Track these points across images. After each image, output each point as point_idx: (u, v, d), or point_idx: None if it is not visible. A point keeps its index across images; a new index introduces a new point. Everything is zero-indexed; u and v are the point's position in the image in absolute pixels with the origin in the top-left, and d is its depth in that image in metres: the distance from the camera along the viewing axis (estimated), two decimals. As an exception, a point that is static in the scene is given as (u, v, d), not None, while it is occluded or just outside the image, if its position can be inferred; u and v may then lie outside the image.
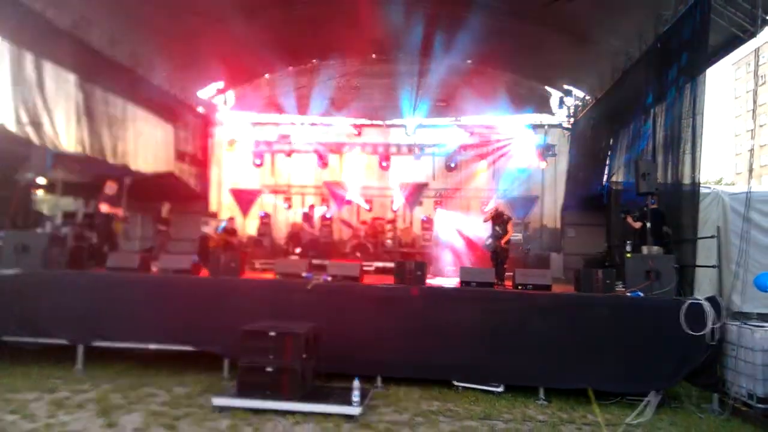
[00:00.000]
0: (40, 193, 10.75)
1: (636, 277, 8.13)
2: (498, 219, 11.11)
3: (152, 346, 7.96)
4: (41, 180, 9.38)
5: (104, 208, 10.30)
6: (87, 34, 12.08)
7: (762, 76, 46.85)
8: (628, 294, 8.01)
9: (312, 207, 16.82)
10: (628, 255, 8.92)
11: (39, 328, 7.94)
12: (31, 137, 10.28)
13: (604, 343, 7.55)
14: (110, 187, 10.46)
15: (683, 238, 8.70)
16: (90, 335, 7.94)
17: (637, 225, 9.47)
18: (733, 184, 42.18)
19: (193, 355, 8.03)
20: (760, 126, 47.18)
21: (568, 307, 7.88)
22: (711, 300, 7.49)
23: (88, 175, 10.80)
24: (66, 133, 11.39)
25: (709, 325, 7.26)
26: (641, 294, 7.92)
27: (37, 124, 10.60)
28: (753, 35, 9.58)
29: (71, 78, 11.70)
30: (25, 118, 10.34)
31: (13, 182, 9.50)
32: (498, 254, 10.87)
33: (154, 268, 9.21)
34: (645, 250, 8.62)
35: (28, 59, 10.59)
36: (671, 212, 9.12)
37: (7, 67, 10.07)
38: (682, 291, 8.16)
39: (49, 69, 11.06)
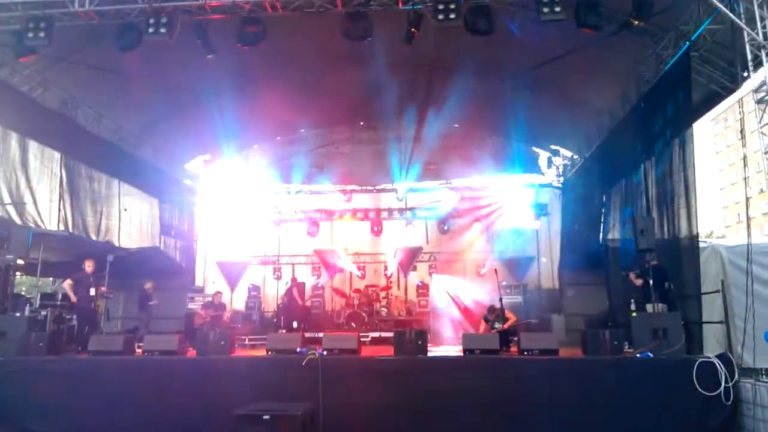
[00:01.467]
0: (18, 274, 10.33)
1: (643, 337, 7.87)
2: (492, 315, 10.61)
3: (137, 437, 7.34)
4: (21, 261, 9.00)
5: (67, 284, 9.93)
6: (73, 112, 12.10)
7: (740, 131, 48.45)
8: (637, 355, 7.70)
9: (294, 279, 16.34)
10: (634, 314, 8.64)
11: (15, 420, 7.37)
12: (12, 217, 10.02)
13: (616, 408, 7.18)
14: (88, 266, 10.12)
15: (687, 294, 8.50)
16: (69, 427, 7.34)
17: (639, 282, 9.26)
18: (724, 237, 42.58)
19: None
20: (744, 179, 48.30)
21: (576, 372, 7.56)
22: (722, 357, 7.24)
23: (70, 254, 10.44)
24: (49, 211, 11.16)
25: (723, 384, 6.97)
26: (650, 354, 7.63)
27: (19, 204, 10.38)
28: (732, 91, 9.86)
29: (56, 156, 11.61)
30: (7, 198, 10.12)
31: (-9, 265, 9.13)
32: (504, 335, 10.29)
33: (139, 350, 8.70)
34: (650, 308, 8.40)
35: (14, 138, 10.57)
36: (672, 268, 8.96)
37: (-9, 147, 9.95)
38: (691, 349, 7.88)
39: (34, 147, 11.02)
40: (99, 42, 10.32)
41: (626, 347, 8.26)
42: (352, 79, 13.98)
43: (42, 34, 8.43)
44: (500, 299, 10.77)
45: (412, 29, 8.99)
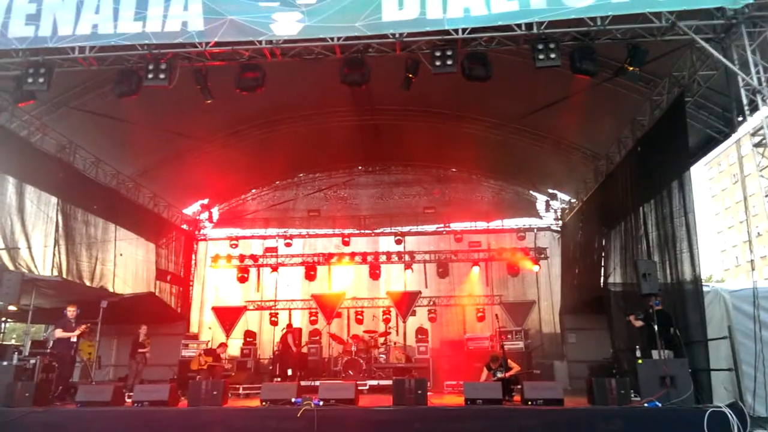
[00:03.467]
0: (8, 321, 10.10)
1: (650, 385, 7.63)
2: (495, 364, 10.26)
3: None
4: (12, 307, 8.80)
5: (58, 333, 9.70)
6: (71, 157, 12.15)
7: (734, 175, 49.13)
8: (645, 405, 7.43)
9: (290, 325, 16.02)
10: (640, 361, 8.38)
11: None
12: (5, 262, 9.88)
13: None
14: (71, 311, 9.92)
15: (693, 340, 8.29)
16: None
17: (639, 324, 9.06)
18: (724, 281, 42.32)
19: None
20: (740, 222, 48.54)
21: (583, 423, 7.26)
22: (733, 407, 6.99)
23: (63, 300, 10.24)
24: (43, 256, 11.02)
25: (736, 435, 6.64)
26: (659, 404, 7.35)
27: (13, 249, 10.25)
28: (727, 136, 9.95)
29: (53, 200, 11.58)
30: (1, 244, 10.00)
31: (-19, 311, 8.93)
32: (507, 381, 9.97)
33: (128, 401, 8.38)
34: (656, 354, 8.17)
35: (11, 183, 10.55)
36: (676, 312, 8.79)
37: (-13, 192, 9.91)
38: (700, 398, 7.65)
39: (30, 192, 10.98)
40: (98, 88, 10.53)
41: (633, 396, 7.99)
42: (350, 124, 14.16)
43: (41, 80, 8.48)
44: (502, 346, 10.48)
45: (410, 75, 9.10)
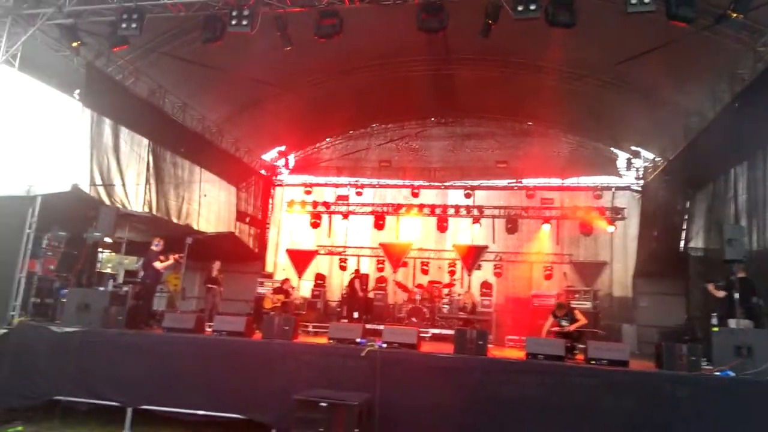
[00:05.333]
0: (105, 252, 11.07)
1: (724, 354, 7.29)
2: (561, 312, 10.11)
3: (201, 412, 7.68)
4: (108, 239, 9.65)
5: (157, 265, 10.43)
6: (161, 101, 12.84)
7: None
8: (717, 374, 7.14)
9: (357, 271, 16.52)
10: (715, 329, 8.02)
11: (93, 388, 7.88)
12: (102, 198, 10.76)
13: (688, 429, 6.69)
14: (155, 243, 10.58)
15: (776, 311, 7.83)
16: (140, 398, 7.78)
17: (720, 294, 8.62)
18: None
19: (241, 423, 7.69)
20: None
21: (648, 386, 7.06)
22: (814, 382, 6.56)
23: (152, 234, 11.09)
24: (135, 193, 11.90)
25: (813, 411, 6.31)
26: (732, 374, 7.06)
27: (109, 186, 11.13)
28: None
29: (144, 142, 12.36)
30: (99, 180, 10.87)
31: (82, 241, 9.84)
32: (569, 337, 9.79)
33: (208, 330, 9.12)
34: (733, 323, 7.79)
35: (107, 124, 11.29)
36: (761, 281, 8.25)
37: (87, 132, 10.71)
38: (778, 371, 7.22)
39: (125, 133, 11.76)
40: (186, 34, 10.93)
41: (704, 364, 7.71)
42: (425, 75, 13.93)
43: (134, 25, 8.96)
44: (567, 298, 10.33)
45: (490, 22, 8.78)
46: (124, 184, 11.60)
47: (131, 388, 7.82)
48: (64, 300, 9.06)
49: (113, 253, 14.31)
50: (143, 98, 12.29)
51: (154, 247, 10.51)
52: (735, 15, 7.86)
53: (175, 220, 13.22)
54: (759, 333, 7.46)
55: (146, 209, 12.15)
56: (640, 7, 7.52)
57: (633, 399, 6.93)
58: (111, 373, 7.92)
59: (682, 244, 12.34)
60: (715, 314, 8.75)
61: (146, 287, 10.51)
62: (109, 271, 12.76)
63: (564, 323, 9.84)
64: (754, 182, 8.90)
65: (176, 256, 10.63)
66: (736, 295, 7.93)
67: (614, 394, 6.99)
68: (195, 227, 13.83)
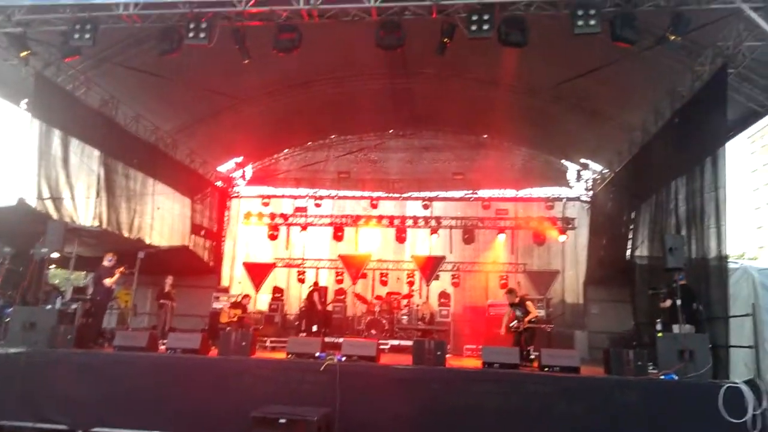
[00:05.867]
0: (52, 268, 10.66)
1: (668, 359, 7.66)
2: (512, 298, 10.65)
3: (155, 434, 7.49)
4: (56, 255, 9.31)
5: (107, 282, 10.12)
6: (113, 111, 12.52)
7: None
8: (662, 377, 7.50)
9: (316, 283, 16.44)
10: (660, 334, 8.44)
11: (39, 411, 7.53)
12: (50, 212, 10.37)
13: (638, 430, 6.99)
14: (108, 259, 10.30)
15: (715, 316, 8.28)
16: (90, 420, 7.47)
17: (667, 304, 9.04)
18: (756, 258, 41.11)
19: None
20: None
21: (598, 391, 7.37)
22: (750, 383, 7.00)
23: (103, 249, 10.76)
24: (85, 207, 11.52)
25: (750, 411, 6.74)
26: (675, 377, 7.43)
27: (57, 199, 10.74)
28: (771, 110, 9.60)
29: (95, 153, 12.00)
30: (46, 193, 10.48)
31: (28, 257, 9.46)
32: (522, 335, 10.34)
33: (162, 347, 8.90)
34: (676, 329, 8.19)
35: (56, 135, 10.90)
36: (700, 288, 8.75)
37: (35, 143, 10.34)
38: (718, 374, 7.67)
39: (74, 144, 11.39)
40: (140, 45, 10.70)
41: (651, 368, 8.09)
42: (383, 88, 14.11)
43: (87, 36, 8.73)
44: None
45: (445, 40, 9.01)
46: (73, 198, 11.20)
47: (80, 410, 7.53)
48: (8, 319, 8.68)
49: (60, 269, 13.77)
50: (95, 109, 11.94)
51: (106, 263, 10.20)
52: (673, 37, 8.34)
53: (126, 234, 12.83)
54: (699, 338, 7.86)
55: (96, 223, 11.76)
56: (586, 28, 7.91)
57: (584, 404, 7.20)
58: (58, 394, 7.61)
59: (628, 252, 12.88)
60: (659, 320, 9.20)
61: (97, 304, 10.17)
62: (57, 283, 12.22)
63: (519, 314, 10.25)
64: (693, 194, 9.38)
65: (121, 269, 10.33)
66: (678, 302, 8.38)
67: (566, 399, 7.24)
68: (147, 241, 13.46)
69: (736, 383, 6.99)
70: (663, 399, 7.13)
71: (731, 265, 8.56)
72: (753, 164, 53.95)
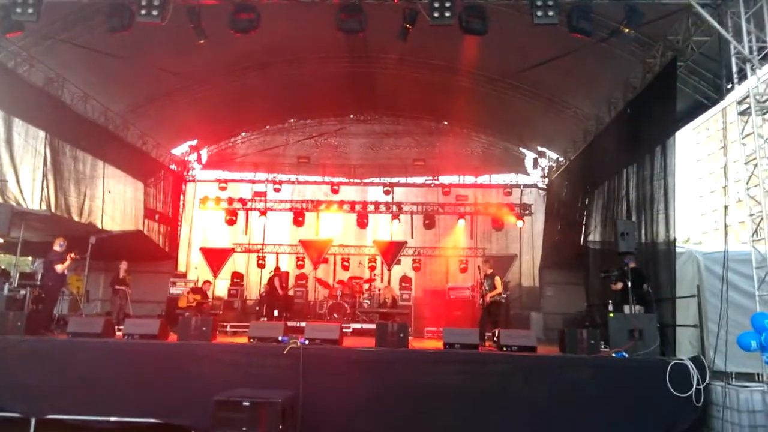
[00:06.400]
0: (-1, 253, 10.19)
1: (619, 337, 8.07)
2: (486, 266, 11.07)
3: (113, 419, 7.33)
4: (0, 240, 8.89)
5: (59, 268, 9.76)
6: (59, 91, 11.94)
7: (720, 140, 49.36)
8: (613, 355, 7.88)
9: (277, 268, 16.31)
10: (611, 314, 8.82)
11: (-10, 400, 7.28)
12: (-7, 195, 9.89)
13: (591, 405, 7.35)
14: (59, 244, 9.93)
15: (663, 298, 8.71)
16: (45, 408, 7.29)
17: (618, 287, 9.43)
18: (701, 243, 43.30)
19: (159, 428, 7.41)
20: (722, 187, 49.17)
21: (553, 369, 7.71)
22: (695, 360, 7.43)
23: (51, 234, 10.33)
24: (31, 190, 11.00)
25: (695, 385, 7.18)
26: (626, 355, 7.82)
27: (1, 182, 10.23)
28: (716, 102, 10.08)
29: (41, 134, 11.44)
30: (-11, 176, 9.97)
31: (-29, 242, 9.01)
32: (488, 309, 10.69)
33: (118, 333, 8.67)
34: (627, 309, 8.57)
35: (-1, 116, 10.34)
36: (648, 271, 9.17)
37: (-25, 124, 9.79)
38: (665, 351, 8.09)
39: (18, 125, 10.84)
40: (88, 21, 10.20)
41: (603, 347, 8.46)
42: (343, 71, 13.99)
43: (30, 10, 8.22)
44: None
45: (407, 25, 9.01)
46: (18, 180, 10.68)
47: (34, 398, 7.32)
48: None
49: (6, 254, 13.16)
50: (39, 87, 11.35)
51: (57, 248, 9.81)
52: (627, 30, 8.64)
53: (76, 219, 12.33)
54: (648, 317, 8.26)
55: (44, 207, 11.24)
56: (545, 19, 8.05)
57: (540, 381, 7.51)
58: (10, 382, 7.40)
59: (582, 237, 13.34)
60: (611, 301, 9.61)
61: (48, 290, 9.78)
62: (3, 269, 11.65)
63: (486, 286, 10.65)
64: (643, 181, 9.79)
65: (72, 254, 9.97)
66: (629, 284, 8.77)
67: (523, 377, 7.53)
68: (99, 226, 13.00)
69: (682, 360, 7.42)
70: (614, 375, 7.51)
71: (678, 250, 8.97)
72: (698, 154, 56.56)
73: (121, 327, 8.85)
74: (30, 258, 14.77)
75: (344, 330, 10.04)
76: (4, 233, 8.73)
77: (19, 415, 7.28)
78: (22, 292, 9.71)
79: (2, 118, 10.44)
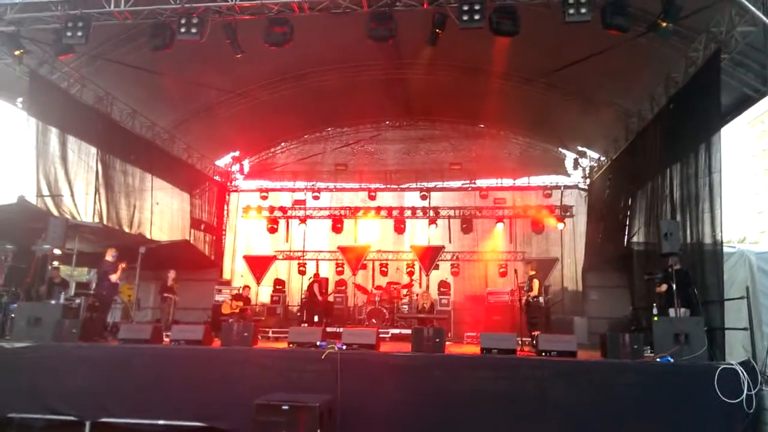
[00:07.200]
0: (55, 264, 10.78)
1: (664, 342, 7.74)
2: (529, 268, 11.36)
3: (161, 422, 7.62)
4: (57, 251, 9.40)
5: (113, 278, 10.24)
6: (109, 108, 12.57)
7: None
8: (658, 360, 7.60)
9: (316, 275, 16.51)
10: (655, 318, 8.55)
11: (47, 403, 7.67)
12: (50, 209, 10.47)
13: (634, 412, 7.09)
14: (111, 255, 10.42)
15: (710, 300, 8.38)
16: (98, 411, 7.63)
17: (663, 289, 9.14)
18: (758, 243, 41.15)
19: (203, 432, 7.67)
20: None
21: (594, 375, 7.46)
22: (745, 364, 7.08)
23: (104, 245, 10.85)
24: (84, 203, 11.61)
25: (745, 391, 6.84)
26: (671, 359, 7.52)
27: (57, 196, 10.83)
28: (764, 95, 9.63)
29: (93, 150, 12.08)
30: (46, 191, 10.57)
31: (30, 254, 9.55)
32: (529, 308, 10.59)
33: (166, 339, 9.01)
34: (672, 312, 8.29)
35: (54, 133, 11.00)
36: (695, 272, 8.84)
37: (33, 141, 10.42)
38: (713, 355, 7.76)
39: (72, 142, 11.48)
40: (133, 41, 10.75)
41: (647, 351, 8.20)
42: (377, 79, 14.14)
43: (79, 33, 8.77)
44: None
45: (437, 30, 9.05)
46: (72, 195, 11.30)
47: (88, 402, 7.66)
48: (14, 315, 8.78)
49: (62, 265, 13.89)
50: (90, 106, 12.00)
51: (109, 258, 10.32)
52: (665, 24, 8.38)
53: (126, 230, 12.94)
54: (695, 320, 7.92)
55: (96, 219, 11.85)
56: (577, 17, 7.92)
57: (580, 387, 7.28)
58: (66, 387, 7.74)
59: (625, 239, 12.96)
60: (655, 304, 9.32)
61: (101, 299, 10.29)
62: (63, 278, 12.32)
63: (526, 288, 10.86)
64: (687, 180, 9.43)
65: (123, 264, 10.46)
66: (674, 286, 8.48)
67: (563, 382, 7.32)
68: (148, 236, 13.56)
69: (732, 364, 7.05)
70: (659, 381, 7.21)
71: (728, 249, 8.63)
72: (753, 149, 53.82)
73: (168, 333, 9.18)
74: (85, 268, 15.53)
75: (383, 335, 10.12)
76: (60, 245, 9.20)
77: (74, 418, 7.63)
78: (77, 300, 10.26)
79: (57, 135, 11.04)
